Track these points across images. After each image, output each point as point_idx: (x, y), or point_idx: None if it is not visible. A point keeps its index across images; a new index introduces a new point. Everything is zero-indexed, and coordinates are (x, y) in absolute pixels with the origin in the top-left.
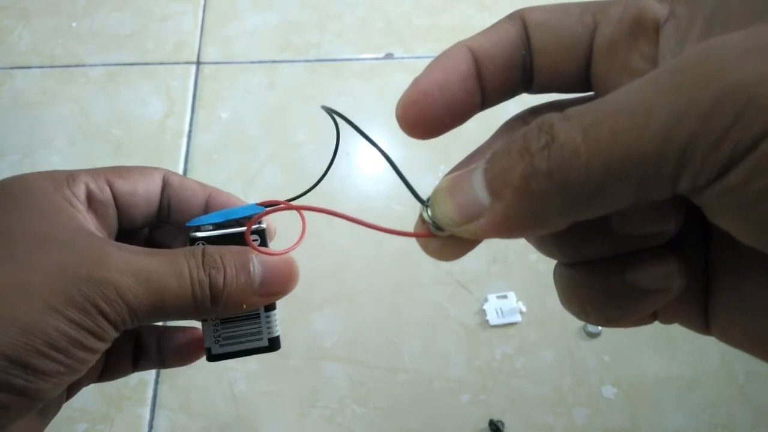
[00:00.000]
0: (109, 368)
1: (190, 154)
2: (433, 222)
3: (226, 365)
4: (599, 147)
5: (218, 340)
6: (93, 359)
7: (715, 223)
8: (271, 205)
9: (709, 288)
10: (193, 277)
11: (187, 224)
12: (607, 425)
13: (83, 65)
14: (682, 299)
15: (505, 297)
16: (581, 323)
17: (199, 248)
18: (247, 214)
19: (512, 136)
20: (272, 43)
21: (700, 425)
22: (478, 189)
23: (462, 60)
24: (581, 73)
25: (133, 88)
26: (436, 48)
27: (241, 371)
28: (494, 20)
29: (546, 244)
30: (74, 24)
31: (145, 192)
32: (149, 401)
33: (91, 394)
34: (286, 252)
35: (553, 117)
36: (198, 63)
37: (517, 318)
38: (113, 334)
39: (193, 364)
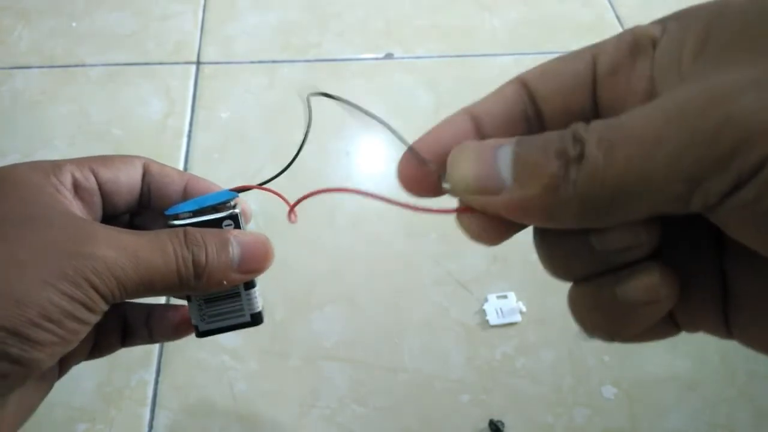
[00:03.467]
0: (99, 345)
1: (190, 154)
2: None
3: (226, 365)
4: (617, 169)
5: (204, 318)
6: (84, 331)
7: (732, 237)
8: (243, 190)
9: (727, 294)
10: (177, 254)
11: (166, 212)
12: (607, 425)
13: (83, 65)
14: (702, 307)
15: (505, 297)
16: None
17: (181, 229)
18: (221, 200)
19: (549, 134)
20: (272, 43)
21: (700, 425)
22: (503, 168)
23: (460, 121)
24: (590, 108)
25: (133, 88)
26: (436, 48)
27: (241, 371)
28: (494, 20)
29: (548, 263)
30: (74, 24)
31: (127, 179)
32: (149, 401)
33: (91, 394)
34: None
35: (581, 129)
36: (198, 63)
37: (517, 318)
38: (103, 307)
39: (194, 363)
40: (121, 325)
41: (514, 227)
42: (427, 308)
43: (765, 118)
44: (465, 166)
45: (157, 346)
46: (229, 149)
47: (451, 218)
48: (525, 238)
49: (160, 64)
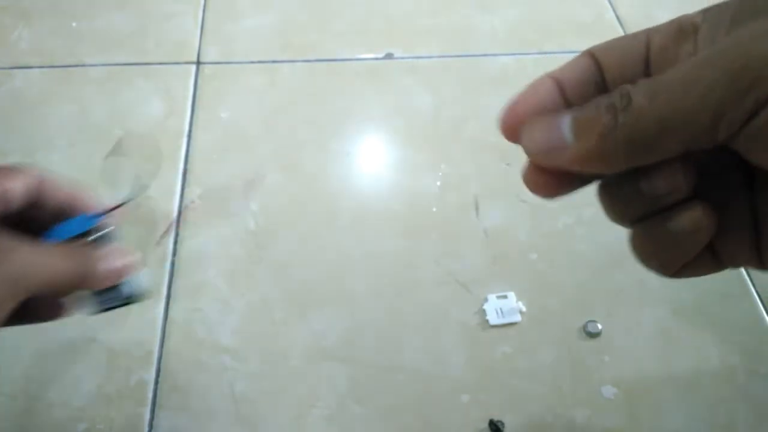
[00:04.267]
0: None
1: (190, 154)
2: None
3: (226, 365)
4: (658, 109)
5: (97, 302)
6: None
7: (751, 162)
8: (110, 210)
9: (758, 227)
10: (71, 264)
11: (46, 236)
12: (607, 425)
13: (83, 65)
14: (739, 241)
15: (505, 297)
16: (581, 323)
17: (72, 244)
18: (87, 226)
19: (601, 96)
20: (272, 43)
21: (700, 425)
22: (566, 130)
23: (548, 82)
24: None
25: (133, 88)
26: (436, 48)
27: (241, 371)
28: (494, 20)
29: (609, 211)
30: (74, 24)
31: (8, 191)
32: (149, 401)
33: (91, 394)
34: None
35: (628, 87)
36: (198, 63)
37: (517, 318)
38: (11, 305)
39: (194, 363)
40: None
41: (574, 183)
42: (427, 308)
43: None
44: (537, 134)
45: (157, 346)
46: (229, 149)
47: (451, 218)
48: (525, 238)
49: (160, 64)
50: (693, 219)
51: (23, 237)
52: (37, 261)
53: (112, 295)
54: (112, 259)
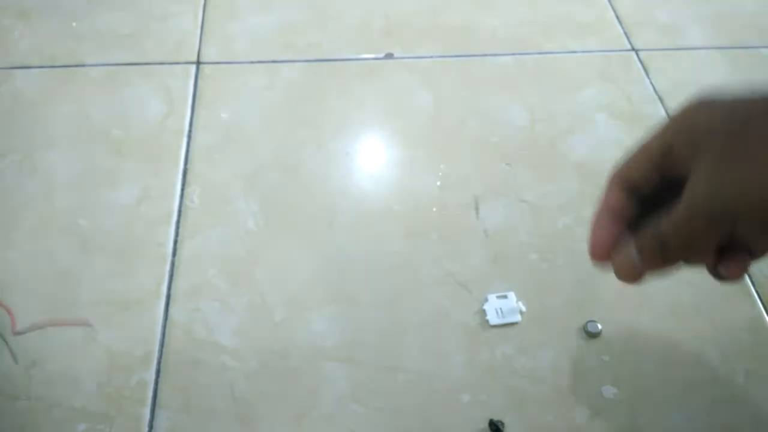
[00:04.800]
0: None
1: (190, 154)
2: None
3: (226, 365)
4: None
5: None
6: None
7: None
8: None
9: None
10: None
11: None
12: (607, 425)
13: (83, 65)
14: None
15: (505, 297)
16: (581, 323)
17: None
18: None
19: (644, 232)
20: (272, 43)
21: (700, 425)
22: (635, 258)
23: (609, 224)
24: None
25: (133, 88)
26: (436, 48)
27: (241, 371)
28: (494, 20)
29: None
30: (74, 24)
31: None
32: (149, 401)
33: (91, 394)
34: None
35: (649, 234)
36: (198, 63)
37: (517, 318)
38: None
39: (194, 363)
40: None
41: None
42: (427, 308)
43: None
44: (618, 267)
45: (157, 346)
46: (229, 149)
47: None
48: (525, 238)
49: (160, 64)
50: (743, 269)
51: None
52: None
53: None
54: None
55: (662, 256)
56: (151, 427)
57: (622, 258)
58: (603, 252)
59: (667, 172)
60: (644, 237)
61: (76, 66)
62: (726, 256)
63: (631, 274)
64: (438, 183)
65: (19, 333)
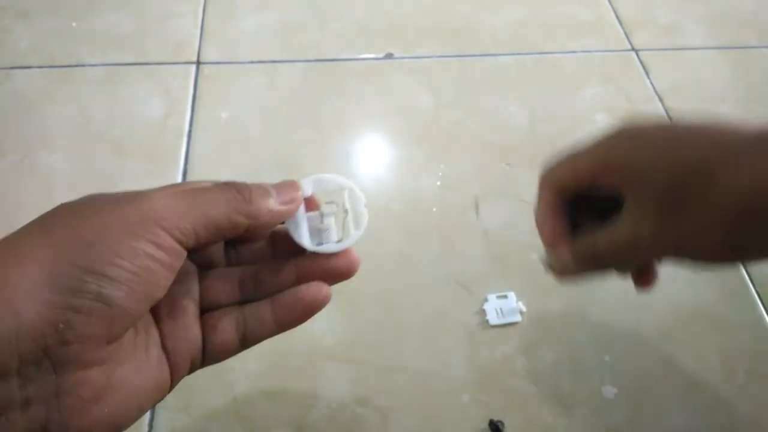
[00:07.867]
0: (211, 347)
1: (190, 154)
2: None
3: (226, 365)
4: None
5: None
6: (159, 269)
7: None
8: None
9: None
10: (230, 196)
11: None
12: (607, 425)
13: (83, 65)
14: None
15: (505, 297)
16: (581, 323)
17: (227, 181)
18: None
19: (577, 249)
20: (272, 43)
21: (700, 425)
22: (569, 261)
23: (554, 215)
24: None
25: (133, 88)
26: (436, 48)
27: (241, 371)
28: (494, 20)
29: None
30: (74, 24)
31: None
32: None
33: None
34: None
35: (584, 243)
36: (198, 63)
37: (517, 318)
38: (171, 243)
39: None
40: (234, 323)
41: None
42: (427, 308)
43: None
44: (553, 259)
45: None
46: (229, 149)
47: (451, 218)
48: (525, 238)
49: (160, 64)
50: (654, 283)
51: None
52: (189, 197)
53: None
54: (274, 187)
55: (594, 266)
56: (151, 427)
57: (558, 258)
58: (558, 241)
59: (596, 184)
60: (580, 245)
61: (76, 66)
62: (644, 271)
63: (563, 274)
64: (438, 183)
65: None
